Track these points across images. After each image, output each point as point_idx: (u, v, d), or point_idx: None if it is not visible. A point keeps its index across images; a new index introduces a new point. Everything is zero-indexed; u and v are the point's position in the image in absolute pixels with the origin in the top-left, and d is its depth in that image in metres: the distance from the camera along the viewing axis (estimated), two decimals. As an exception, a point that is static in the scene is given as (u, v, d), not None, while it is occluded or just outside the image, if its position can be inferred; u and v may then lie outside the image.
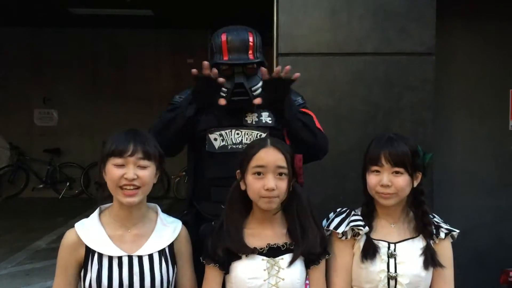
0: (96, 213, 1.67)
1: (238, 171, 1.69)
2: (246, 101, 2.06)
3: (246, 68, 2.07)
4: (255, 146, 1.66)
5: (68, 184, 9.09)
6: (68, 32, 8.81)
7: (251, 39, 2.08)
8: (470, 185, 3.78)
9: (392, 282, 1.68)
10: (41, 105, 9.24)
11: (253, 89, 2.07)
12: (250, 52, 2.07)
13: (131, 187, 1.56)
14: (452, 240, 1.78)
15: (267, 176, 1.60)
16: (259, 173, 1.61)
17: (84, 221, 1.65)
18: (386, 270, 1.69)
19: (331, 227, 1.75)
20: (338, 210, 1.83)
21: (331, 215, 1.82)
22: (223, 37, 2.07)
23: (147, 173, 1.59)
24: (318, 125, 2.27)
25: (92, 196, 8.72)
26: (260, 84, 2.09)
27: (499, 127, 3.81)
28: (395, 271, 1.68)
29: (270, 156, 1.62)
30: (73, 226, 1.65)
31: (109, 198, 1.65)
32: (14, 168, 9.08)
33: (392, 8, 3.25)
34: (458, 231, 1.78)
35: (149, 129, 2.12)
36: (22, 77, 9.04)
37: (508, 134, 3.81)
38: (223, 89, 2.05)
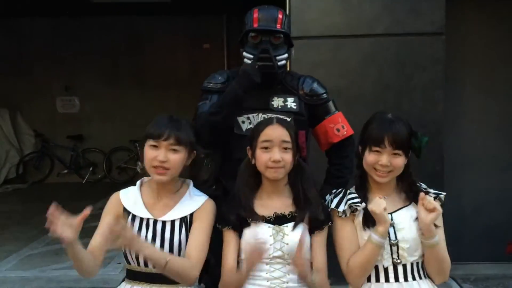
0: (138, 183, 1.92)
1: (248, 147, 1.87)
2: (270, 67, 2.16)
3: (273, 38, 2.19)
4: (262, 124, 1.85)
5: (91, 169, 9.32)
6: (88, 21, 8.94)
7: (280, 15, 2.22)
8: (481, 162, 3.85)
9: (394, 248, 1.80)
10: (63, 93, 9.43)
11: (278, 58, 2.18)
12: (278, 24, 2.20)
13: (161, 168, 1.77)
14: (440, 203, 1.85)
15: (273, 150, 1.78)
16: (266, 148, 1.79)
17: (128, 188, 1.90)
18: (388, 238, 1.79)
19: (332, 206, 1.87)
20: (334, 191, 1.94)
21: (328, 197, 1.94)
22: (255, 13, 2.22)
23: (177, 157, 1.78)
24: (344, 121, 2.34)
25: (114, 180, 8.93)
26: (285, 55, 2.23)
27: (510, 105, 3.86)
28: (396, 238, 1.80)
29: (276, 132, 1.80)
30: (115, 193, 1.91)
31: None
32: (39, 154, 9.32)
33: (402, -11, 3.32)
34: (444, 193, 1.89)
35: (197, 116, 2.26)
36: (44, 66, 9.21)
37: (519, 112, 3.87)
38: (249, 55, 2.19)
